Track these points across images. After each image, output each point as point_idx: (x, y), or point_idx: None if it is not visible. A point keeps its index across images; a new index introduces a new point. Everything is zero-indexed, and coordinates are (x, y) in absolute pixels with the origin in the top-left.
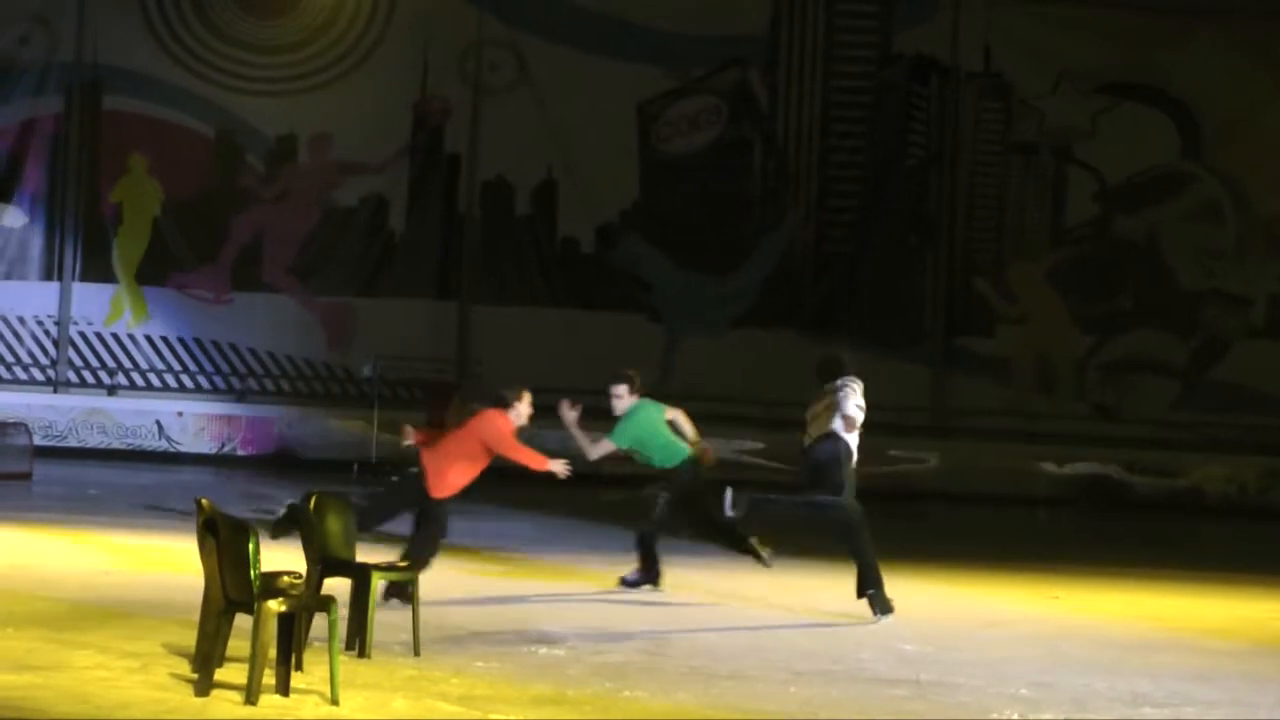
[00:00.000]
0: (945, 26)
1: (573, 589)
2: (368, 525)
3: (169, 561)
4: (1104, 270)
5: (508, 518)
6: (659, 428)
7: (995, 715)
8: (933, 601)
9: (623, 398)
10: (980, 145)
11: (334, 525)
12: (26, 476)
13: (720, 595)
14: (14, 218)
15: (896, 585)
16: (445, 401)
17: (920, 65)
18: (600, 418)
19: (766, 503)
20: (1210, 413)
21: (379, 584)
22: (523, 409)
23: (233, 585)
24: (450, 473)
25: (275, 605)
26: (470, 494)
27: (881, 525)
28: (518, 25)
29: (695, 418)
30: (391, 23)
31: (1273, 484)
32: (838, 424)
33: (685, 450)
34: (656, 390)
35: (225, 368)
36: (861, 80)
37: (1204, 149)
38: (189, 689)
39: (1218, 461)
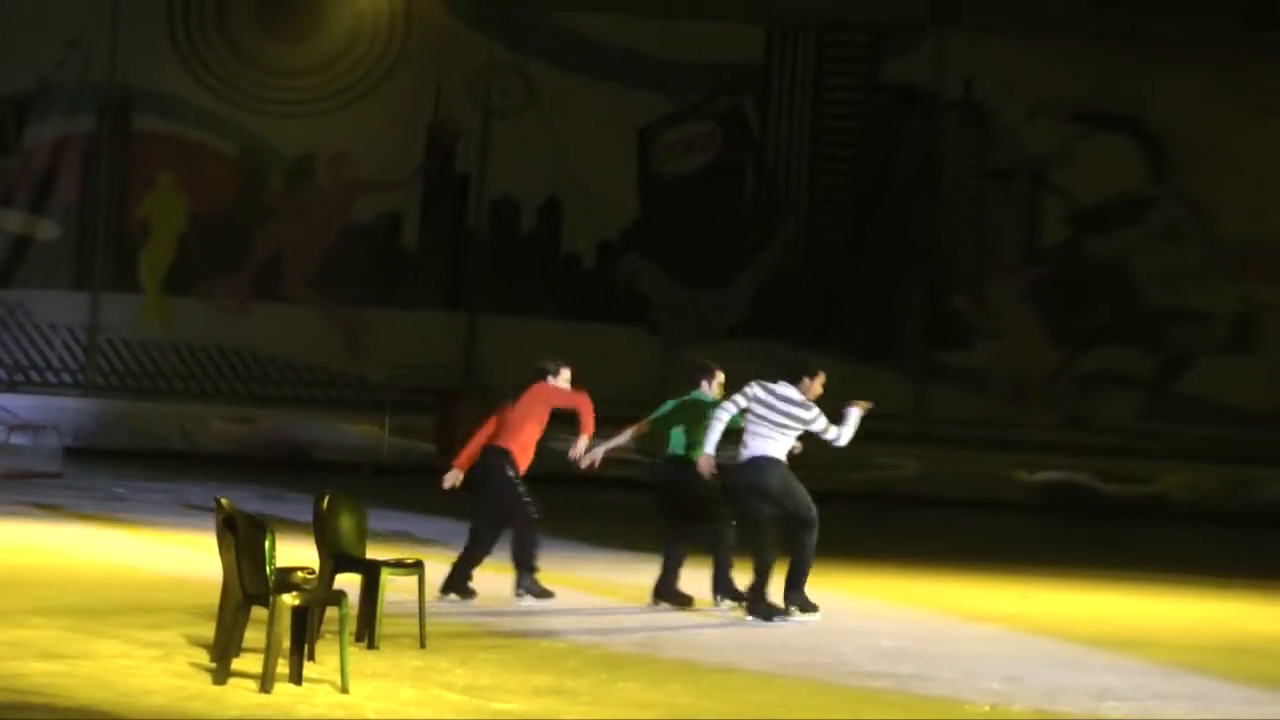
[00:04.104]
0: (929, 58)
1: (573, 587)
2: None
3: (191, 557)
4: (1075, 289)
5: None
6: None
7: (969, 706)
8: (910, 600)
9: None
10: (960, 170)
11: (346, 523)
12: (57, 476)
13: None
14: (48, 230)
15: (877, 584)
16: (454, 406)
17: (905, 94)
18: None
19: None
20: (1174, 423)
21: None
22: (564, 377)
23: (250, 580)
24: (522, 434)
25: (290, 599)
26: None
27: (862, 527)
28: (525, 53)
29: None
30: (406, 49)
31: (1233, 491)
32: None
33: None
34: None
35: (245, 374)
36: (849, 107)
37: (1171, 175)
38: (208, 677)
39: (1181, 469)
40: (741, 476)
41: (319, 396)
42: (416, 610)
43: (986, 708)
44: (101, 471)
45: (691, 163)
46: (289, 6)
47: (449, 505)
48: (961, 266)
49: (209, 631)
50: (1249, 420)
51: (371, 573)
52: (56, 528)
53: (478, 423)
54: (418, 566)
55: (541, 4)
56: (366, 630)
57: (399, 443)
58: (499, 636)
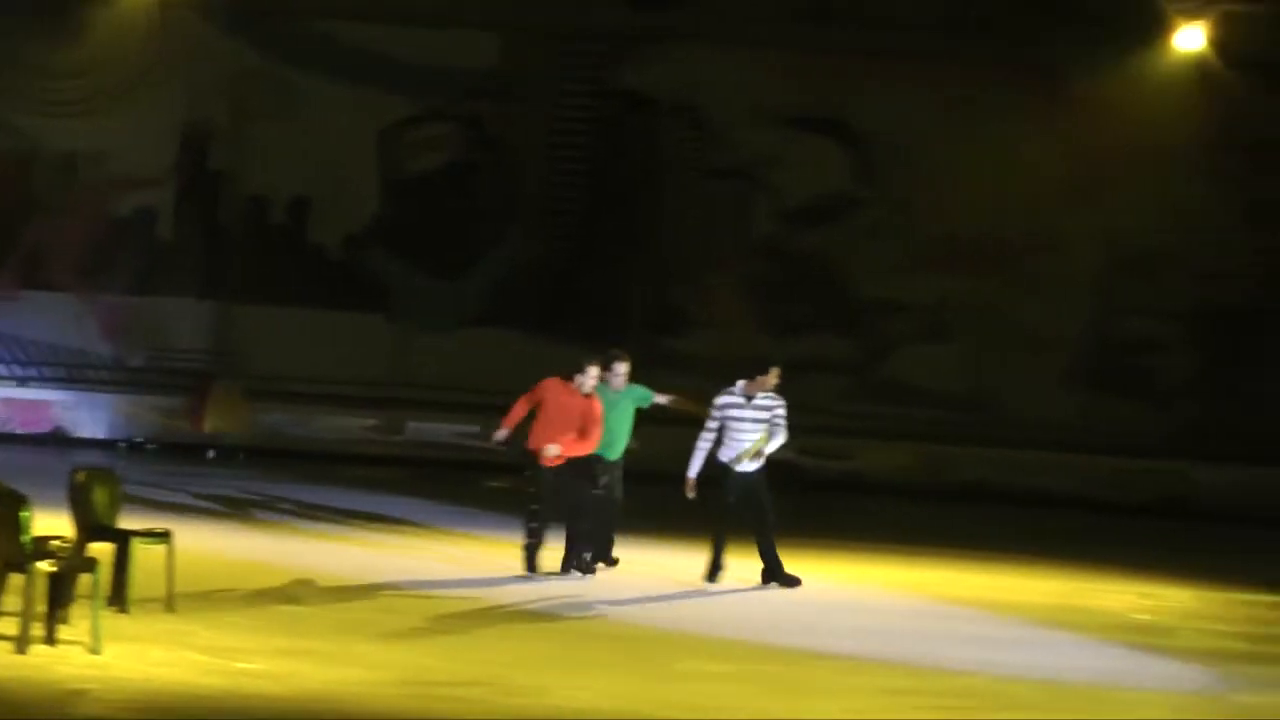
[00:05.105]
0: (654, 65)
1: (325, 550)
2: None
3: None
4: (786, 281)
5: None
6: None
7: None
8: (641, 569)
9: (621, 375)
10: (681, 170)
11: (100, 496)
12: None
13: (452, 559)
14: None
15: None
16: (207, 388)
17: (632, 99)
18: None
19: None
20: (876, 405)
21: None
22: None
23: (7, 548)
24: None
25: (45, 566)
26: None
27: None
28: (275, 57)
29: (428, 407)
30: (162, 53)
31: (929, 468)
32: None
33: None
34: (392, 380)
35: (8, 356)
36: (580, 111)
37: (875, 175)
38: None
39: (881, 448)
40: None
41: (79, 377)
42: (168, 573)
43: (695, 664)
44: None
45: (432, 161)
46: (54, 10)
47: (202, 477)
48: (680, 259)
49: None
50: (943, 403)
51: (122, 542)
52: None
53: (228, 402)
54: (166, 536)
55: (290, 11)
56: (118, 595)
57: (155, 421)
58: (244, 601)
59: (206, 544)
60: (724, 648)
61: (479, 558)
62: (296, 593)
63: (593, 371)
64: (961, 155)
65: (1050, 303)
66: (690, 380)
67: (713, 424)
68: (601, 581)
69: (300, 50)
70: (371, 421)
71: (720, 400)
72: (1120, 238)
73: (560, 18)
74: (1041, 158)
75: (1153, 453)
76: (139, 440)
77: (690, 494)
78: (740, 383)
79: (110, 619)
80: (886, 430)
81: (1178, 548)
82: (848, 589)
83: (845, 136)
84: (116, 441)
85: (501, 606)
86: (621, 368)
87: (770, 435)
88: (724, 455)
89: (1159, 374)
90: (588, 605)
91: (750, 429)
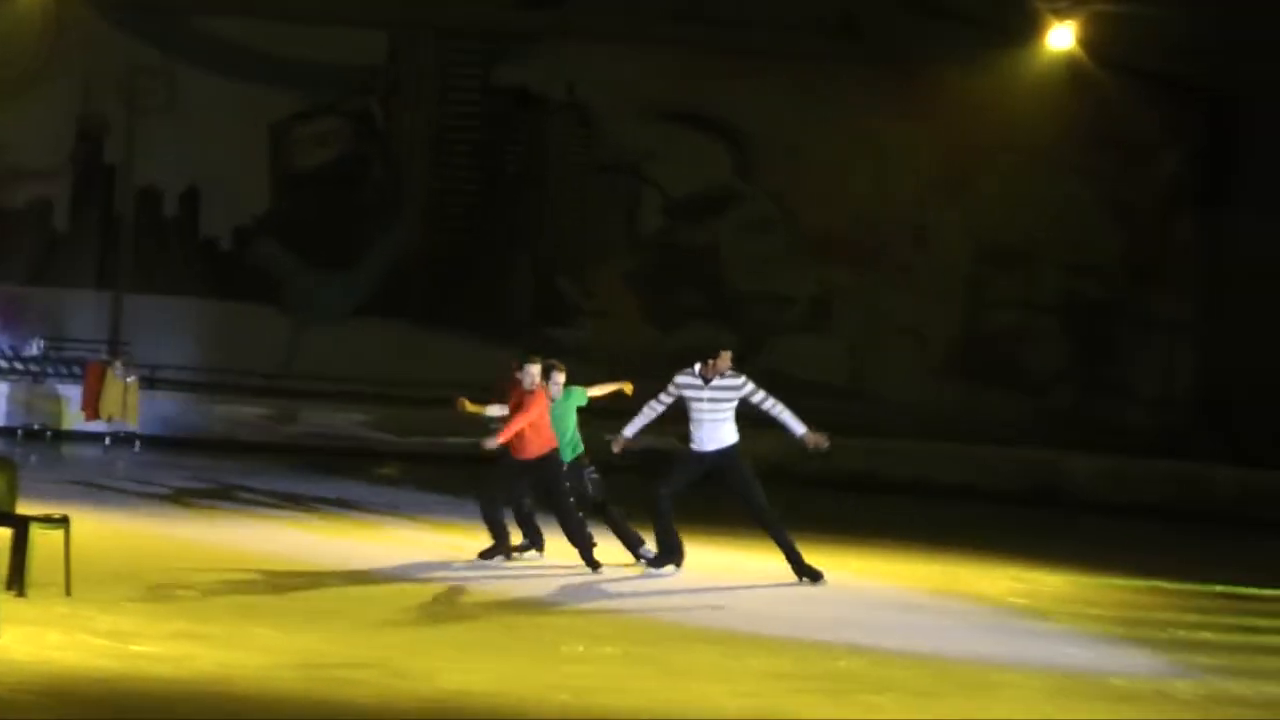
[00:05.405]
0: (540, 63)
1: (218, 537)
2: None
3: None
4: (670, 272)
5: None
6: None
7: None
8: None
9: (558, 385)
10: (567, 165)
11: None
12: None
13: (347, 545)
14: None
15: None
16: (101, 376)
17: (518, 95)
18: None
19: None
20: None
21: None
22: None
23: None
24: None
25: None
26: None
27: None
28: (168, 53)
29: (317, 396)
30: (57, 48)
31: (808, 457)
32: None
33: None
34: (283, 369)
35: None
36: (467, 107)
37: (756, 170)
38: None
39: (762, 437)
40: None
41: None
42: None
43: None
44: None
45: (321, 156)
46: None
47: (98, 464)
48: (566, 251)
49: None
50: (824, 392)
51: (20, 527)
52: None
53: (122, 390)
54: (63, 521)
55: (182, 8)
56: (16, 580)
57: (51, 409)
58: (141, 585)
59: (103, 530)
60: (613, 631)
61: (372, 543)
62: (191, 579)
63: (534, 370)
64: (838, 152)
65: (925, 295)
66: (575, 369)
67: (666, 397)
68: (497, 568)
69: (192, 47)
70: (264, 410)
71: (679, 379)
72: (992, 232)
73: (447, 15)
74: (916, 154)
75: (1025, 442)
76: (36, 427)
77: (616, 450)
78: (696, 365)
79: (8, 603)
80: (767, 419)
81: (1051, 535)
82: (733, 574)
83: (726, 133)
84: (14, 429)
85: (396, 591)
86: (559, 378)
87: (777, 418)
88: (694, 443)
89: (1030, 365)
90: (483, 591)
91: (709, 410)
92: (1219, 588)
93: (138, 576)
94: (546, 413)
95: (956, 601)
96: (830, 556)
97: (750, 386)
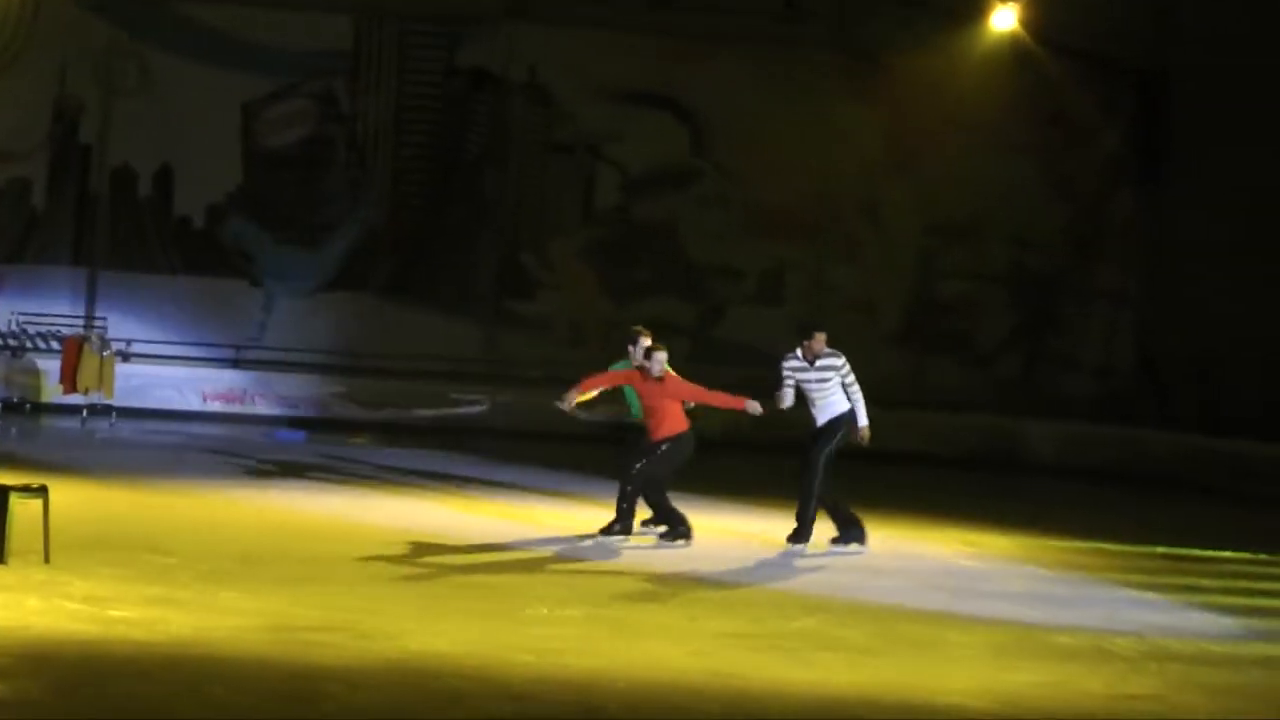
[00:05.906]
0: (500, 45)
1: (190, 505)
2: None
3: None
4: (627, 247)
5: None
6: None
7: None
8: (486, 513)
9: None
10: (526, 144)
11: None
12: None
13: (318, 511)
14: None
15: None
16: (77, 351)
17: (479, 77)
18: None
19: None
20: (712, 365)
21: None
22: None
23: None
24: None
25: None
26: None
27: (445, 456)
28: (142, 37)
29: (289, 367)
30: (34, 31)
31: (763, 424)
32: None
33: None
34: (253, 342)
35: None
36: (429, 88)
37: (711, 149)
38: None
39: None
40: None
41: None
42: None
43: (545, 610)
44: None
45: (290, 136)
46: None
47: (76, 436)
48: (527, 227)
49: None
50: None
51: (0, 496)
52: None
53: (98, 364)
54: (42, 491)
55: None
56: None
57: (29, 383)
58: (118, 552)
59: (82, 499)
60: (577, 595)
61: (343, 509)
62: (169, 547)
63: (661, 357)
64: (789, 130)
65: (875, 268)
66: (534, 340)
67: (788, 383)
68: (465, 532)
69: (165, 29)
70: (236, 382)
71: (787, 364)
72: (938, 206)
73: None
74: (864, 132)
75: (974, 408)
76: (15, 401)
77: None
78: (797, 350)
79: None
80: (724, 389)
81: (999, 498)
82: (698, 537)
83: (680, 113)
84: None
85: (364, 556)
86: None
87: (855, 402)
88: (818, 419)
89: (978, 335)
90: (449, 556)
91: (818, 388)
92: (1160, 549)
93: (114, 544)
94: (670, 397)
95: (908, 563)
96: (786, 523)
97: (847, 367)
